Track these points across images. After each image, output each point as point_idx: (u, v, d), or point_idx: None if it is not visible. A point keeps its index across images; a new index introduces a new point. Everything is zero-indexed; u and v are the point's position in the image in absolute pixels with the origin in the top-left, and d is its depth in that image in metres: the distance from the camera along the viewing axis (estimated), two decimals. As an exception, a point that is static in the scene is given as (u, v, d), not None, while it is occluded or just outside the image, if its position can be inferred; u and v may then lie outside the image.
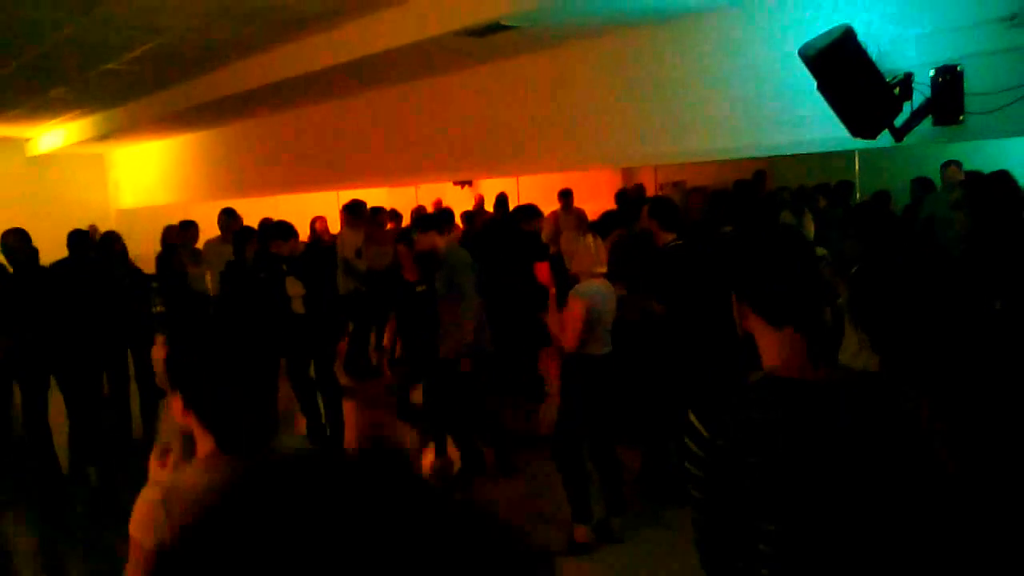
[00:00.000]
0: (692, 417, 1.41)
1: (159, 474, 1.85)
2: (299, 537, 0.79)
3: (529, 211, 7.50)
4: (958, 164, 6.23)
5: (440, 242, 5.36)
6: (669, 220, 4.81)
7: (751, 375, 1.47)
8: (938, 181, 6.60)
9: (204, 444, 1.77)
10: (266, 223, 7.62)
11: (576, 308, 4.20)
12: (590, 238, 4.39)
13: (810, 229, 6.69)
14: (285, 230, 6.07)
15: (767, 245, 1.51)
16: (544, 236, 8.74)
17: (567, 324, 4.22)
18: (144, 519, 1.72)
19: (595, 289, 4.28)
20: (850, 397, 1.41)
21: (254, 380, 1.79)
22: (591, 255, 4.31)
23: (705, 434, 1.37)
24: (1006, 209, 4.14)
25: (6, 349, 5.61)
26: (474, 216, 9.60)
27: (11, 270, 5.84)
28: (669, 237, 4.82)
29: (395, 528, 0.80)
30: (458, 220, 9.30)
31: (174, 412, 1.78)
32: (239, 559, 0.80)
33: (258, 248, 6.20)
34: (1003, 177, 5.03)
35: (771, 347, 1.48)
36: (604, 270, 4.36)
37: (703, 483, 1.39)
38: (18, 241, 5.71)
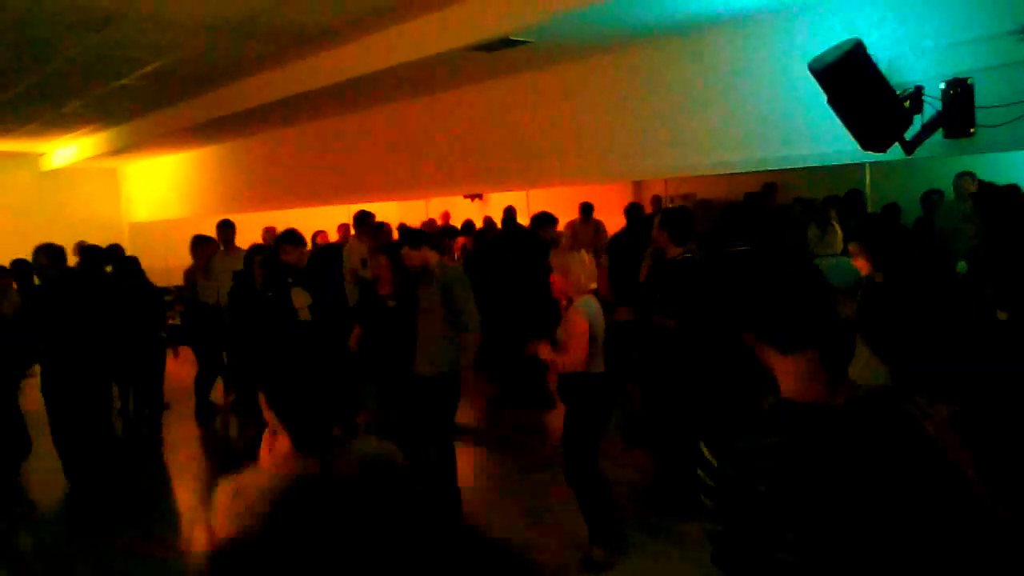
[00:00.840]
0: (702, 446, 1.39)
1: (266, 457, 1.95)
2: (334, 543, 0.82)
3: (545, 219, 7.46)
4: (972, 175, 6.20)
5: (432, 257, 5.12)
6: (681, 233, 4.80)
7: (764, 401, 1.45)
8: (949, 193, 6.56)
9: (283, 443, 1.87)
10: (270, 232, 7.66)
11: (582, 325, 4.15)
12: (583, 253, 4.32)
13: (835, 242, 6.62)
14: (296, 237, 6.13)
15: (763, 271, 1.47)
16: (562, 246, 8.78)
17: (574, 342, 4.14)
18: (218, 512, 1.80)
19: (594, 305, 4.26)
20: (868, 419, 1.38)
21: (332, 385, 1.88)
22: (586, 271, 4.25)
23: (714, 463, 1.35)
24: (1017, 221, 4.12)
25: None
26: (484, 232, 9.65)
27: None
28: (679, 250, 4.80)
29: (421, 546, 0.83)
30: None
31: (263, 407, 1.89)
32: (277, 559, 0.83)
33: (266, 257, 6.24)
34: (1015, 190, 5.01)
35: (785, 373, 1.45)
36: (595, 286, 4.30)
37: (715, 514, 1.36)
38: (48, 258, 5.76)
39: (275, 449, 1.92)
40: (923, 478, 1.34)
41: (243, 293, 6.24)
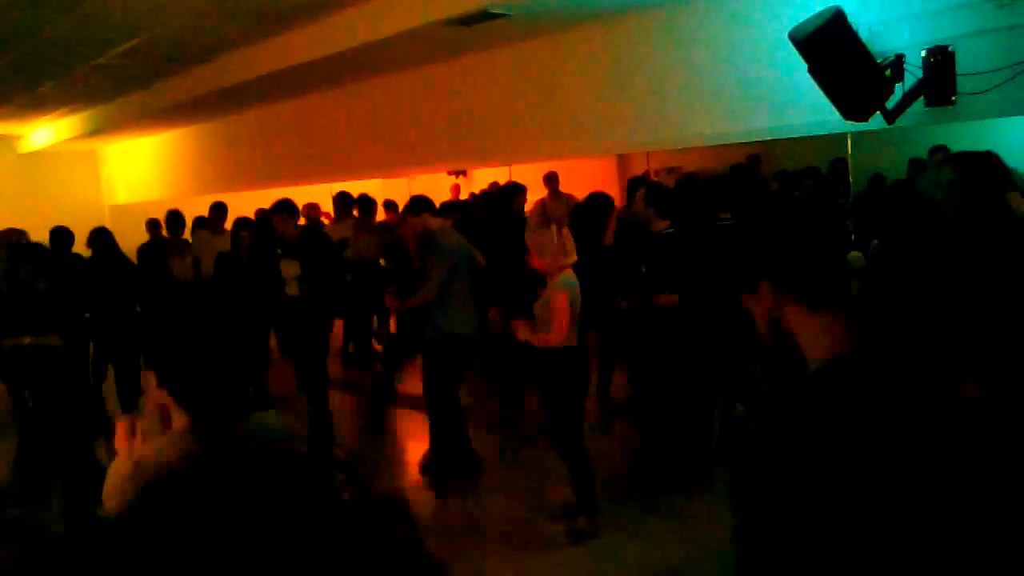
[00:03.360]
0: (739, 408, 1.37)
1: (123, 447, 1.91)
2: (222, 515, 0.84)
3: (513, 189, 7.34)
4: (946, 149, 6.18)
5: (434, 224, 5.25)
6: (665, 207, 4.82)
7: (810, 364, 1.40)
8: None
9: (179, 419, 1.85)
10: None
11: (562, 300, 4.19)
12: (554, 229, 4.29)
13: None
14: (290, 207, 6.11)
15: (799, 230, 1.46)
16: (532, 222, 8.69)
17: (555, 317, 4.17)
18: (113, 490, 1.82)
19: (572, 281, 4.27)
20: (908, 380, 1.36)
21: (226, 359, 1.87)
22: (562, 247, 4.25)
23: (758, 428, 1.33)
24: (998, 187, 4.12)
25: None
26: (468, 207, 9.58)
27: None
28: (663, 224, 4.81)
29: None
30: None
31: (150, 388, 1.89)
32: (167, 530, 0.84)
33: (256, 227, 6.22)
34: (991, 156, 4.99)
35: (812, 334, 1.41)
36: (573, 260, 4.31)
37: (753, 477, 1.33)
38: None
39: (134, 439, 1.90)
40: (957, 440, 1.32)
41: (229, 267, 6.23)
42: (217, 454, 1.68)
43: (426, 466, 5.52)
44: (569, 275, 4.28)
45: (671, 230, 4.79)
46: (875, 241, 5.04)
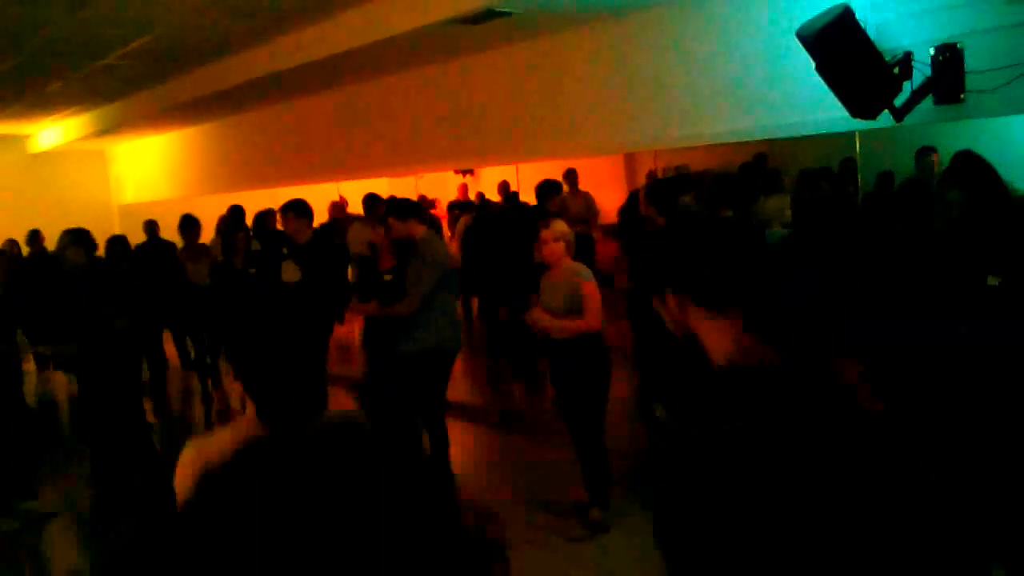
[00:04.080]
0: (656, 407, 1.37)
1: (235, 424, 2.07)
2: (281, 505, 0.81)
3: (551, 187, 7.16)
4: (935, 150, 6.13)
5: (418, 231, 5.02)
6: (665, 206, 4.83)
7: (715, 367, 1.41)
8: (945, 159, 6.48)
9: (249, 412, 1.92)
10: (263, 215, 7.64)
11: (594, 285, 4.26)
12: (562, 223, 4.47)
13: None
14: (300, 207, 5.85)
15: (697, 233, 1.46)
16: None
17: (592, 302, 4.22)
18: (181, 476, 1.90)
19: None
20: (801, 381, 1.35)
21: (298, 357, 1.92)
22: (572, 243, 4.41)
23: (674, 425, 1.33)
24: (997, 185, 4.12)
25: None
26: (482, 208, 9.61)
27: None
28: (662, 221, 4.84)
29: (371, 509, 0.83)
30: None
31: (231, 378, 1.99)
32: (227, 518, 0.82)
33: (256, 225, 6.19)
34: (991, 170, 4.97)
35: (712, 337, 1.42)
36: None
37: (671, 479, 1.34)
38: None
39: (244, 416, 1.96)
40: (851, 439, 1.32)
41: (225, 272, 6.18)
42: (280, 443, 1.66)
43: None
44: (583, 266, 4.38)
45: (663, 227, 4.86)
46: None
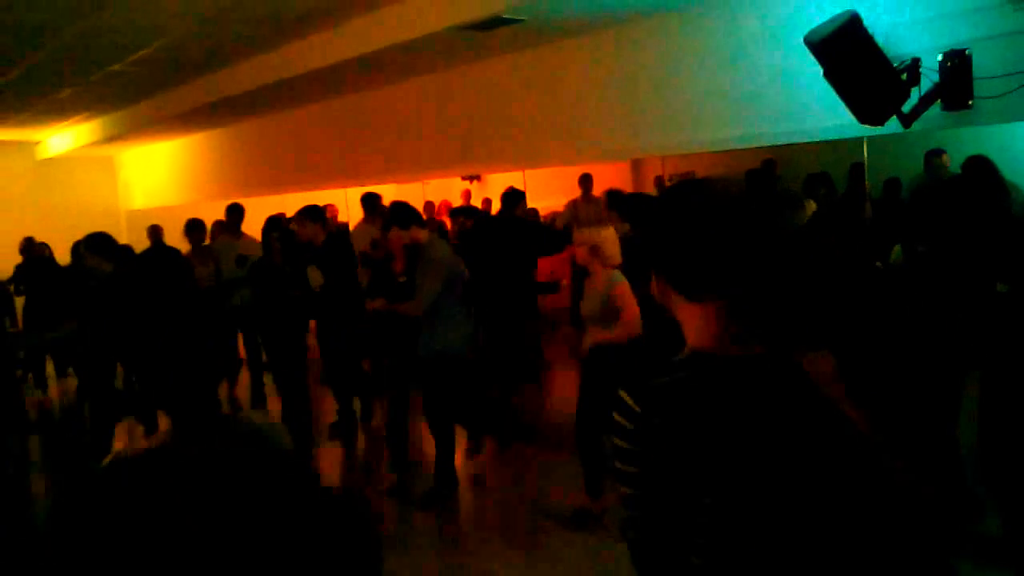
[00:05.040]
0: (623, 394, 1.31)
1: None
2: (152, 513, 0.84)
3: (514, 195, 7.32)
4: (944, 152, 6.11)
5: (422, 236, 5.07)
6: (626, 212, 4.97)
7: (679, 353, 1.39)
8: (954, 165, 6.46)
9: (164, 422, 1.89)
10: (277, 219, 7.65)
11: (626, 287, 4.27)
12: (612, 229, 4.47)
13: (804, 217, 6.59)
14: (314, 212, 6.09)
15: (682, 212, 1.42)
16: (559, 224, 8.69)
17: (628, 306, 4.24)
18: None
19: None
20: (776, 372, 1.33)
21: (204, 367, 1.92)
22: (614, 244, 4.40)
23: (637, 409, 1.29)
24: (1004, 192, 4.13)
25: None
26: (468, 212, 9.59)
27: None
28: (626, 228, 4.97)
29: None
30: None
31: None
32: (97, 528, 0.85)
33: (282, 233, 6.25)
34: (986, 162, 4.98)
35: (691, 323, 1.39)
36: (619, 261, 4.43)
37: (633, 455, 1.29)
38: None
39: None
40: (819, 431, 1.31)
41: (264, 270, 6.27)
42: (182, 446, 1.68)
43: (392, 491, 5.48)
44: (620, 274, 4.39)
45: (629, 234, 4.97)
46: (897, 247, 5.00)
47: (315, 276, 5.91)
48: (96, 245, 5.62)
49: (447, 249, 5.29)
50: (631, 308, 4.23)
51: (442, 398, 5.05)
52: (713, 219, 1.38)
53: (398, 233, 5.06)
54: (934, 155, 6.15)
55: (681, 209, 1.43)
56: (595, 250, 4.36)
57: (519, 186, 10.54)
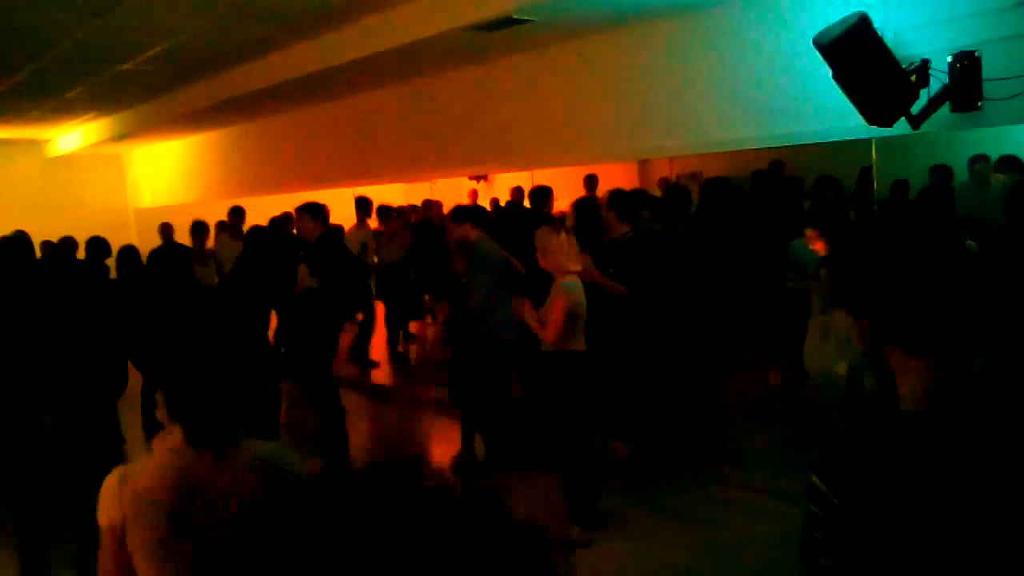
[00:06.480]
0: (814, 478, 1.27)
1: (159, 449, 1.96)
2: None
3: (542, 192, 7.49)
4: (987, 159, 6.06)
5: (472, 233, 5.42)
6: (625, 212, 5.07)
7: (890, 417, 1.32)
8: (957, 168, 6.44)
9: (174, 435, 1.90)
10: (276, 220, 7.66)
11: (558, 304, 4.22)
12: (563, 235, 4.38)
13: None
14: (315, 209, 6.00)
15: (912, 261, 1.34)
16: (568, 224, 8.68)
17: (550, 318, 4.23)
18: (101, 501, 1.89)
19: (575, 285, 4.31)
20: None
21: (225, 381, 1.90)
22: (564, 253, 4.32)
23: (831, 496, 1.23)
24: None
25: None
26: (493, 213, 9.60)
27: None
28: (624, 228, 4.98)
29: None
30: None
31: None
32: None
33: (268, 232, 6.23)
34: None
35: (915, 380, 1.30)
36: (578, 268, 4.38)
37: (831, 550, 1.24)
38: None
39: (167, 441, 1.94)
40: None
41: (245, 274, 6.19)
42: (199, 476, 1.71)
43: (458, 466, 5.55)
44: (572, 280, 4.31)
45: (628, 235, 5.02)
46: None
47: (304, 277, 5.73)
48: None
49: (492, 247, 5.50)
50: (555, 322, 4.21)
51: (495, 383, 5.37)
52: (953, 275, 1.34)
53: (452, 226, 5.53)
54: (976, 161, 6.13)
55: (923, 266, 1.37)
56: (543, 253, 4.35)
57: (526, 186, 10.55)
